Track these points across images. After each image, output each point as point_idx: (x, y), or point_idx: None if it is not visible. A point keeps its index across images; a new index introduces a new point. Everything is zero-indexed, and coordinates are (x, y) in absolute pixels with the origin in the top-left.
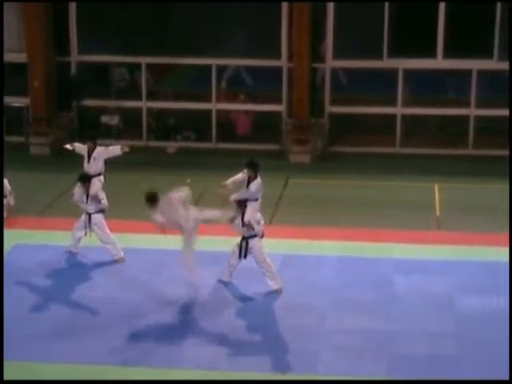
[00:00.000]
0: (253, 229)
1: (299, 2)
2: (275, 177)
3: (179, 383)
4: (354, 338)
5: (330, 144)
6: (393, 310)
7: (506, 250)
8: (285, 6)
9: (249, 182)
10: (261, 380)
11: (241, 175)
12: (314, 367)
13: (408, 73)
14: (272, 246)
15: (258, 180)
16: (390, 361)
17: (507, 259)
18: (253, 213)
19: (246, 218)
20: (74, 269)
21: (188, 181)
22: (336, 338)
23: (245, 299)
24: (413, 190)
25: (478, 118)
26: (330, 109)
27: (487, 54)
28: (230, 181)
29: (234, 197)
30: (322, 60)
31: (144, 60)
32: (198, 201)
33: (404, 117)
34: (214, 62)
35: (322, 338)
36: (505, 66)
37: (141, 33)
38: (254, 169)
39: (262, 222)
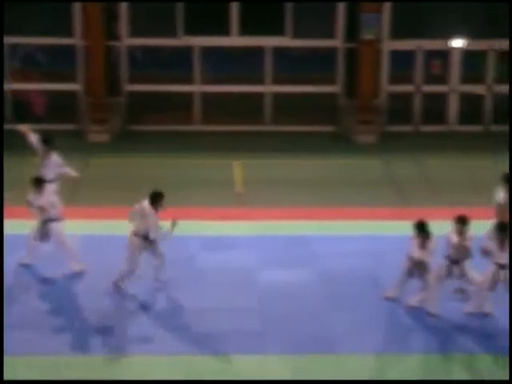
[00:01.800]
0: (48, 212)
1: None
2: (75, 157)
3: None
4: (159, 317)
5: (129, 123)
6: (197, 287)
7: (307, 223)
8: None
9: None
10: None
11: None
12: (122, 348)
13: (205, 50)
14: (73, 228)
15: (55, 155)
16: (195, 338)
17: (310, 233)
18: (49, 196)
19: (41, 202)
20: None
21: None
22: (141, 318)
23: (47, 282)
24: (213, 167)
25: (274, 95)
26: (128, 87)
27: (280, 31)
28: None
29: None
30: (118, 38)
31: None
32: None
33: (203, 94)
34: (5, 40)
35: (127, 318)
36: (298, 43)
37: None
38: (47, 144)
39: (59, 205)
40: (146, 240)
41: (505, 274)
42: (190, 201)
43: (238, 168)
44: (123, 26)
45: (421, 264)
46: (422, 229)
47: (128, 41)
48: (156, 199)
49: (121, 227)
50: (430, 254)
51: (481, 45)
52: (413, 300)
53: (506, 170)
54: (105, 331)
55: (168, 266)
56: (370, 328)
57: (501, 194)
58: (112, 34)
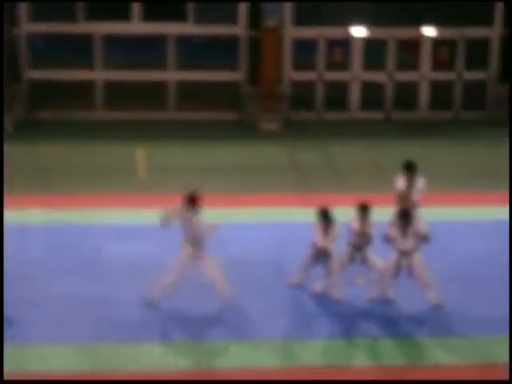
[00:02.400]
0: None
1: None
2: None
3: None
4: (64, 304)
5: (31, 110)
6: (102, 275)
7: (212, 211)
8: None
9: None
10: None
11: None
12: (28, 336)
13: (107, 37)
14: None
15: None
16: (99, 325)
17: (216, 220)
18: None
19: None
20: None
21: None
22: (47, 305)
23: None
24: (117, 154)
25: (178, 82)
26: (29, 74)
27: (183, 17)
28: None
29: None
30: (18, 24)
31: None
32: None
33: (106, 81)
34: None
35: (34, 305)
36: (200, 30)
37: None
38: None
39: None
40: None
41: (407, 260)
42: (93, 189)
43: (141, 155)
44: (23, 11)
45: (324, 251)
46: (324, 216)
47: (27, 27)
48: (194, 201)
49: (22, 215)
50: (332, 240)
51: (381, 33)
52: (317, 286)
53: (407, 156)
54: (11, 320)
55: (71, 253)
56: (275, 314)
57: (401, 182)
58: (11, 19)
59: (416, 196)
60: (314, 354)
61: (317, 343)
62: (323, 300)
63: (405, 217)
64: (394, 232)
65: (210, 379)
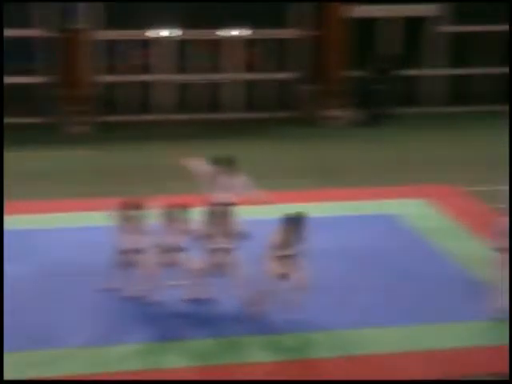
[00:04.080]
0: None
1: None
2: None
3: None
4: None
5: None
6: None
7: (24, 217)
8: None
9: None
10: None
11: None
12: None
13: None
14: None
15: None
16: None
17: (31, 226)
18: None
19: None
20: None
21: None
22: None
23: None
24: None
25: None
26: None
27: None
28: None
29: None
30: None
31: None
32: None
33: None
34: None
35: None
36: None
37: None
38: None
39: None
40: None
41: (222, 258)
42: None
43: None
44: None
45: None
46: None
47: None
48: None
49: None
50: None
51: (190, 34)
52: (133, 289)
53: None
54: None
55: None
56: (91, 320)
57: (204, 169)
58: None
59: (252, 194)
60: (126, 359)
61: (130, 347)
62: (139, 303)
63: (217, 215)
64: (209, 230)
65: None
